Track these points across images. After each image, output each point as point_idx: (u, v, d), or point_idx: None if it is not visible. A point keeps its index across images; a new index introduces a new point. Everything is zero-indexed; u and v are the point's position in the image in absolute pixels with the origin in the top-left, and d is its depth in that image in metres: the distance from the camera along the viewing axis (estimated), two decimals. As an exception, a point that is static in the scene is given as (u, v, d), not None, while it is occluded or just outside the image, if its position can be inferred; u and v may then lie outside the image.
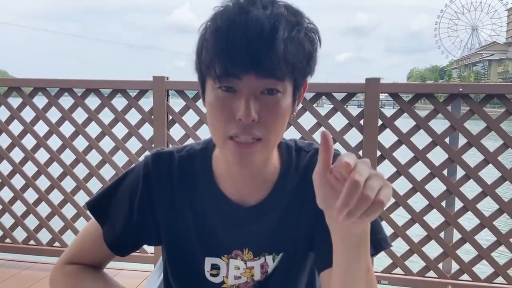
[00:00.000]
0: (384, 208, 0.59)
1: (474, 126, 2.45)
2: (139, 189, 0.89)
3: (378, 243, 0.85)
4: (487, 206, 2.49)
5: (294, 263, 0.91)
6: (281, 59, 0.69)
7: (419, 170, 2.43)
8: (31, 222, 2.94)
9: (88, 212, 2.85)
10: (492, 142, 2.54)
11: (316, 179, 0.63)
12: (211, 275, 0.90)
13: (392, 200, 2.49)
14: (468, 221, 2.57)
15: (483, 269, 2.50)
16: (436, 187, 2.45)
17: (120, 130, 2.73)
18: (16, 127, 2.84)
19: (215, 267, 0.89)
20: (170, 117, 2.68)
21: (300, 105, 2.49)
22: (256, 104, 0.72)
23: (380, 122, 2.44)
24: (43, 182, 2.87)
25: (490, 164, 2.35)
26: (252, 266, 0.89)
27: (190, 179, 0.89)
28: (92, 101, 2.74)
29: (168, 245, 0.92)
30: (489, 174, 2.44)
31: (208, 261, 0.89)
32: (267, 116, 0.73)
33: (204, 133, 2.55)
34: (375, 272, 2.53)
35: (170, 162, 0.90)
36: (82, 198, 2.82)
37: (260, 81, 0.71)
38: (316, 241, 0.86)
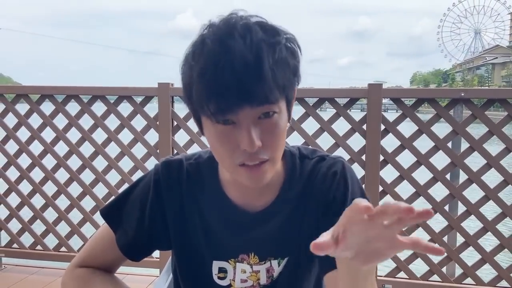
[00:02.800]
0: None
1: (477, 130, 2.46)
2: (150, 195, 0.93)
3: None
4: (490, 210, 2.50)
5: (299, 269, 0.93)
6: (271, 86, 0.71)
7: (422, 175, 2.45)
8: (38, 227, 2.97)
9: (94, 217, 2.87)
10: (494, 146, 2.56)
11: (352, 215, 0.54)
12: (219, 278, 0.93)
13: (395, 204, 2.50)
14: (471, 225, 2.58)
15: (486, 272, 2.51)
16: (439, 191, 2.46)
17: (126, 136, 2.76)
18: (23, 134, 2.88)
19: (222, 270, 0.92)
20: (175, 123, 2.70)
21: (303, 111, 2.53)
22: (256, 130, 0.74)
23: (382, 127, 2.47)
24: (50, 188, 2.90)
25: (493, 168, 2.36)
26: (258, 270, 0.91)
27: (198, 185, 0.93)
28: (98, 108, 2.78)
29: (178, 249, 0.95)
30: (492, 178, 2.45)
31: (216, 265, 0.92)
32: (269, 139, 0.76)
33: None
34: (379, 276, 2.55)
35: (179, 169, 0.93)
36: (88, 204, 2.86)
37: (255, 109, 0.73)
38: None
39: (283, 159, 0.92)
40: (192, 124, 2.70)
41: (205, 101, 0.72)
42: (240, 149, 0.75)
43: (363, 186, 2.45)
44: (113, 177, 2.81)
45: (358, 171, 2.45)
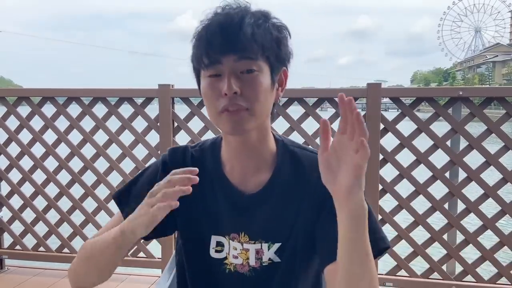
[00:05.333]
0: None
1: (476, 128, 2.47)
2: (158, 175, 1.00)
3: (376, 242, 0.90)
4: (490, 207, 2.52)
5: (295, 261, 0.95)
6: (250, 39, 0.85)
7: (421, 173, 2.47)
8: (41, 229, 2.99)
9: (96, 218, 2.88)
10: (493, 144, 2.57)
11: (320, 159, 0.77)
12: (216, 251, 0.99)
13: (395, 203, 2.52)
14: (471, 222, 2.59)
15: (486, 270, 2.52)
16: (438, 190, 2.47)
17: (127, 138, 2.78)
18: (25, 136, 2.90)
19: (219, 244, 0.99)
20: (176, 124, 2.72)
21: (303, 110, 2.54)
22: (237, 81, 0.87)
23: (382, 126, 2.48)
24: (52, 190, 2.92)
25: (492, 166, 2.37)
26: (248, 249, 0.97)
27: (201, 168, 0.97)
28: (99, 109, 2.79)
29: (182, 225, 1.01)
30: (491, 176, 2.46)
31: (214, 239, 0.99)
32: (248, 90, 0.88)
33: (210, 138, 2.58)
34: (379, 274, 2.56)
35: (184, 154, 1.02)
36: (90, 205, 2.87)
37: (237, 63, 0.87)
38: (318, 239, 0.91)
39: (276, 143, 1.00)
40: (192, 125, 2.71)
41: (200, 52, 0.88)
42: (222, 96, 0.87)
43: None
44: (114, 178, 2.83)
45: (358, 170, 2.45)
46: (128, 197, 1.02)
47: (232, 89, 0.86)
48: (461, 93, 2.38)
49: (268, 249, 0.96)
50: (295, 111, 2.55)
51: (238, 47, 0.85)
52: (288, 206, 0.96)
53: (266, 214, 0.96)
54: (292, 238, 0.95)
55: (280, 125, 2.49)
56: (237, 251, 0.97)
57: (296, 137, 2.53)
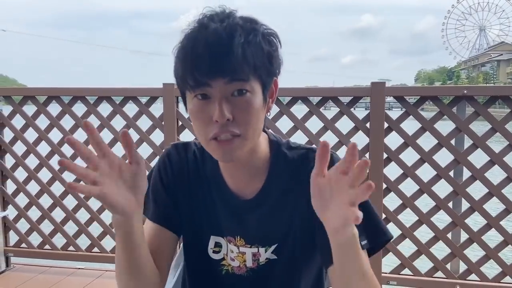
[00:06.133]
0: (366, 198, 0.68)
1: (480, 127, 2.47)
2: (167, 168, 1.00)
3: (377, 234, 0.91)
4: (494, 206, 2.51)
5: (294, 257, 0.96)
6: (240, 61, 0.79)
7: (426, 172, 2.46)
8: (46, 227, 3.01)
9: (101, 216, 2.89)
10: (497, 143, 2.57)
11: (312, 180, 0.72)
12: (214, 252, 0.99)
13: (399, 202, 2.52)
14: (475, 221, 2.59)
15: (490, 268, 2.52)
16: (442, 189, 2.47)
17: (131, 136, 2.78)
18: (31, 135, 2.92)
19: (218, 245, 0.99)
20: (180, 123, 2.74)
21: (307, 109, 2.55)
22: (228, 105, 0.81)
23: (386, 125, 2.48)
24: (57, 188, 2.94)
25: (496, 165, 2.37)
26: (244, 252, 0.97)
27: (202, 167, 1.00)
28: (104, 109, 2.81)
29: (184, 226, 1.00)
30: (495, 175, 2.46)
31: (213, 239, 0.99)
32: (240, 114, 0.82)
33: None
34: (384, 273, 2.56)
35: (186, 149, 1.02)
36: (95, 203, 2.89)
37: (228, 85, 0.80)
38: (318, 239, 0.91)
39: (270, 146, 0.97)
40: (197, 123, 2.72)
41: (185, 74, 0.81)
42: (213, 122, 0.82)
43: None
44: (119, 177, 2.83)
45: (362, 169, 2.45)
46: (148, 203, 0.99)
47: (225, 116, 0.80)
48: (465, 92, 2.38)
49: (265, 252, 0.96)
50: (299, 110, 2.56)
51: (228, 69, 0.78)
52: (284, 208, 0.95)
53: (261, 219, 0.95)
54: (290, 237, 0.95)
55: (284, 124, 2.49)
56: (233, 254, 0.98)
57: (300, 136, 2.53)
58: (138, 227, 0.81)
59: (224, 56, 0.78)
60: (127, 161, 0.78)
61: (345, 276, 0.79)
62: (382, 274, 2.55)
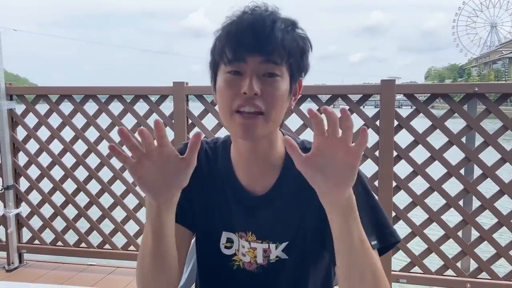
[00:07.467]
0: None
1: (491, 124, 2.45)
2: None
3: (385, 237, 0.91)
4: (505, 204, 2.49)
5: (303, 258, 0.97)
6: (279, 44, 0.85)
7: (436, 170, 2.45)
8: (59, 224, 3.05)
9: (113, 213, 2.92)
10: (509, 141, 2.54)
11: (299, 168, 0.75)
12: (225, 247, 1.01)
13: (410, 200, 2.52)
14: (486, 219, 2.58)
15: (501, 267, 2.50)
16: (453, 187, 2.46)
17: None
18: (43, 133, 2.96)
19: (229, 240, 1.01)
20: (190, 121, 2.76)
21: (316, 107, 2.55)
22: (258, 82, 0.85)
23: (396, 123, 2.47)
24: (69, 185, 2.98)
25: (507, 163, 2.35)
26: (255, 248, 0.98)
27: (214, 165, 1.02)
28: (115, 107, 2.84)
29: (196, 221, 1.02)
30: (507, 172, 2.44)
31: (225, 235, 1.01)
32: (267, 93, 0.86)
33: (223, 135, 2.61)
34: (394, 271, 2.56)
35: (199, 148, 1.00)
36: (107, 200, 2.92)
37: (262, 65, 0.85)
38: (327, 237, 0.90)
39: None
40: (206, 122, 2.74)
41: (224, 46, 0.86)
42: (240, 95, 0.85)
43: (377, 182, 2.47)
44: (129, 174, 2.86)
45: (372, 167, 2.46)
46: None
47: (253, 89, 0.84)
48: (476, 89, 2.36)
49: (276, 248, 0.98)
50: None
51: (266, 49, 0.84)
52: (295, 206, 0.96)
53: (273, 215, 0.97)
54: (300, 236, 0.96)
55: (293, 122, 2.50)
56: (245, 249, 0.99)
57: (309, 134, 2.53)
58: (167, 216, 0.84)
59: (266, 36, 0.84)
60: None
61: (345, 244, 0.79)
62: (392, 272, 2.54)
